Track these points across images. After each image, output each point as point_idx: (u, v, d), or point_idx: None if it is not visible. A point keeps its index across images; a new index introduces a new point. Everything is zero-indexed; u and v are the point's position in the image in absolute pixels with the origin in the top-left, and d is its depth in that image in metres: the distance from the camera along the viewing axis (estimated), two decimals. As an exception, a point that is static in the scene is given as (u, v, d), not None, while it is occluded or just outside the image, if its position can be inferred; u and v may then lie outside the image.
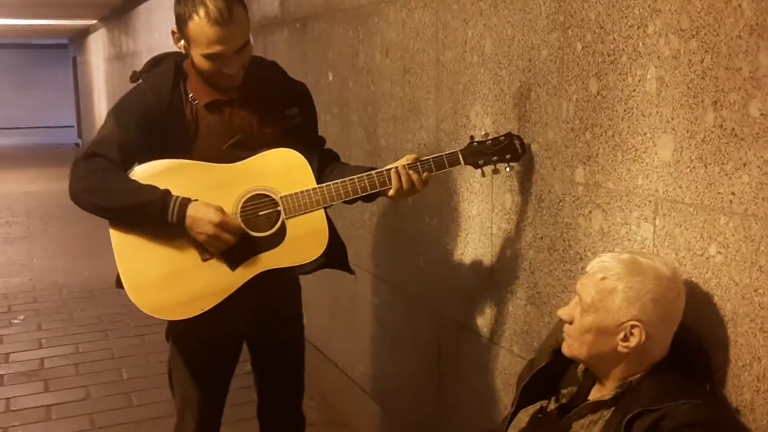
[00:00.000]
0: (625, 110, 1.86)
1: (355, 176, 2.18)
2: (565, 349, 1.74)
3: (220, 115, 2.23)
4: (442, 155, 2.20)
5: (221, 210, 2.10)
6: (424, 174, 2.19)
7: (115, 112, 2.20)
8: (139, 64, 2.39)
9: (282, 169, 2.20)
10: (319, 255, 2.20)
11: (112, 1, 10.00)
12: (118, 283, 2.17)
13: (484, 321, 2.55)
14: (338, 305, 3.79)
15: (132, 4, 9.24)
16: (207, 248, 2.11)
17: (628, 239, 1.88)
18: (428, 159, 2.20)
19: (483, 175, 2.24)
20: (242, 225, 2.13)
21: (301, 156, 2.22)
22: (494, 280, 2.47)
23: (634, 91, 1.82)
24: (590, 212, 2.01)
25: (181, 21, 2.11)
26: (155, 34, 7.99)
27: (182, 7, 2.10)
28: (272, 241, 2.17)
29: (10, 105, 21.36)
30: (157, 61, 2.29)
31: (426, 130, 2.80)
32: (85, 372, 4.42)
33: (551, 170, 2.15)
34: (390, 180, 2.18)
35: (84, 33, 15.41)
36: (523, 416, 1.82)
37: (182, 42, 2.17)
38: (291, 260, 2.20)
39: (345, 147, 3.46)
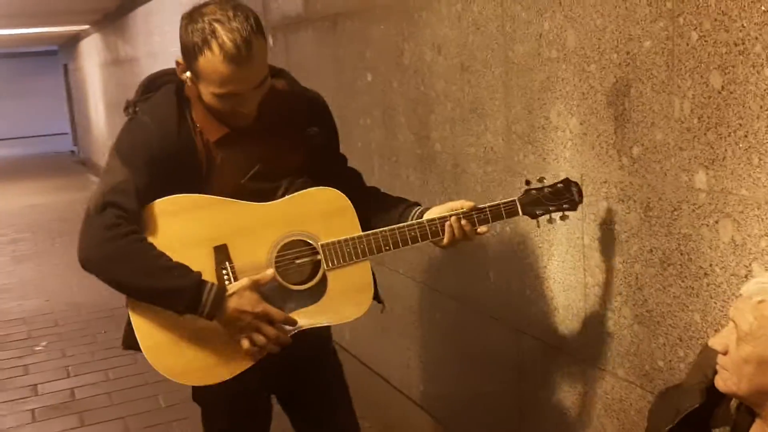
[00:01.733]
0: (761, 107, 1.63)
1: (404, 225, 1.96)
2: (720, 384, 1.51)
3: (236, 147, 1.93)
4: (499, 205, 2.00)
5: (261, 298, 1.84)
6: (480, 227, 1.99)
7: (119, 152, 1.87)
8: (140, 70, 2.10)
9: (323, 212, 1.94)
10: (361, 315, 1.96)
11: (105, 5, 9.71)
12: (127, 343, 1.93)
13: (577, 340, 2.33)
14: (389, 319, 3.56)
15: (128, 8, 8.96)
16: (243, 342, 1.85)
17: (772, 253, 1.66)
18: (484, 208, 1.99)
19: (538, 225, 2.06)
20: (282, 310, 1.88)
21: (345, 197, 1.97)
22: (589, 296, 2.24)
23: (774, 84, 1.59)
24: (716, 222, 1.78)
25: (189, 53, 1.81)
26: (155, 37, 7.72)
27: (191, 37, 1.78)
28: (311, 295, 1.92)
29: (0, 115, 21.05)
30: (151, 87, 1.98)
31: (493, 132, 2.56)
32: (120, 401, 4.19)
33: (661, 175, 1.92)
34: (443, 231, 1.96)
35: (75, 39, 15.09)
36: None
37: (188, 74, 1.86)
38: (330, 319, 1.96)
39: (391, 152, 3.24)
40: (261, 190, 1.93)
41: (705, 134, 1.78)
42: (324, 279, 1.92)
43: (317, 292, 1.92)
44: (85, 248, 1.80)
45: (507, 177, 2.52)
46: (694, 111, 1.79)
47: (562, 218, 2.04)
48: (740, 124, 1.68)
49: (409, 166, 3.11)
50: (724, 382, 1.50)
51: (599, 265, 2.18)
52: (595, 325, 2.24)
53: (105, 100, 12.22)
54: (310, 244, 1.93)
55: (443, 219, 1.96)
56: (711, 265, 1.82)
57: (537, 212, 2.01)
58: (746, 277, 1.73)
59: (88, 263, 1.80)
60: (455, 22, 2.67)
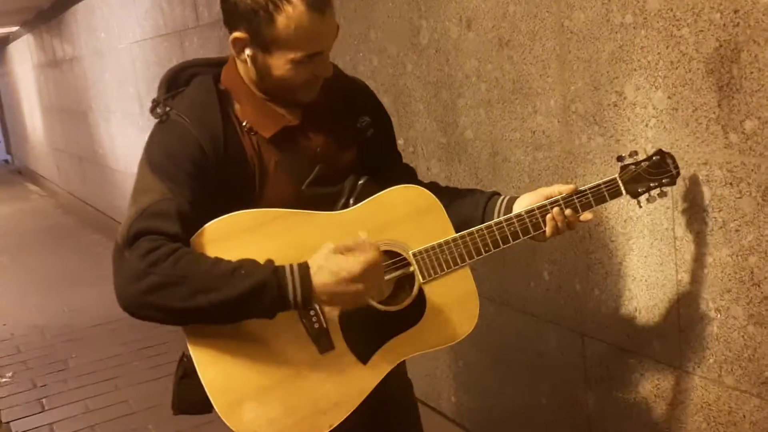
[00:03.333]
0: None
1: (502, 220, 1.65)
2: None
3: (292, 146, 1.61)
4: (599, 186, 1.69)
5: (352, 245, 1.47)
6: (584, 214, 1.69)
7: (152, 164, 1.51)
8: (83, 70, 1.70)
9: (408, 215, 1.62)
10: (471, 331, 1.64)
11: (37, 3, 9.09)
12: (183, 406, 1.59)
13: (665, 345, 2.05)
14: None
15: (64, 5, 8.38)
16: (363, 301, 1.51)
17: None
18: (586, 192, 1.68)
19: (640, 205, 1.75)
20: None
21: (430, 194, 1.66)
22: (683, 295, 1.96)
23: None
24: None
25: (259, 19, 1.46)
26: (101, 34, 7.19)
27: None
28: (409, 315, 1.60)
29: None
30: (178, 81, 1.63)
31: (544, 114, 2.26)
32: (106, 435, 3.79)
33: (787, 152, 1.64)
34: (545, 223, 1.66)
35: (3, 42, 14.29)
36: None
37: (248, 52, 1.52)
38: (438, 341, 1.63)
39: (406, 143, 2.90)
40: (323, 196, 1.61)
41: None
42: (421, 294, 1.61)
43: (416, 312, 1.60)
44: (124, 290, 1.41)
45: (565, 163, 2.22)
46: (836, 74, 1.51)
47: (660, 195, 1.74)
48: None
49: (431, 157, 2.79)
50: None
51: (698, 259, 1.90)
52: (692, 327, 1.96)
53: (42, 104, 11.54)
54: (399, 255, 1.60)
55: (543, 209, 1.66)
56: None
57: (639, 190, 1.71)
58: None
59: (132, 307, 1.41)
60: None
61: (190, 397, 1.54)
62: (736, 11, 1.67)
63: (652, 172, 1.73)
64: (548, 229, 1.65)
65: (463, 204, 1.74)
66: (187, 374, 1.58)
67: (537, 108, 2.28)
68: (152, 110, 1.57)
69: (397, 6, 2.77)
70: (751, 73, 1.67)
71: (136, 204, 1.46)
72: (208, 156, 1.49)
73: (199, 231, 1.47)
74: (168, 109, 1.55)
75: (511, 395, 2.70)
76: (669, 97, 1.87)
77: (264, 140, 1.58)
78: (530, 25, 2.23)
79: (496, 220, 1.64)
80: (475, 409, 2.93)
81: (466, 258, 1.62)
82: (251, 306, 1.42)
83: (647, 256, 2.03)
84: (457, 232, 1.64)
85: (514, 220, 1.64)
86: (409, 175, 1.86)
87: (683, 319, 1.97)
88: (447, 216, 1.64)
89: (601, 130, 2.08)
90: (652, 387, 2.12)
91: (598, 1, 2.00)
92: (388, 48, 2.88)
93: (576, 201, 1.67)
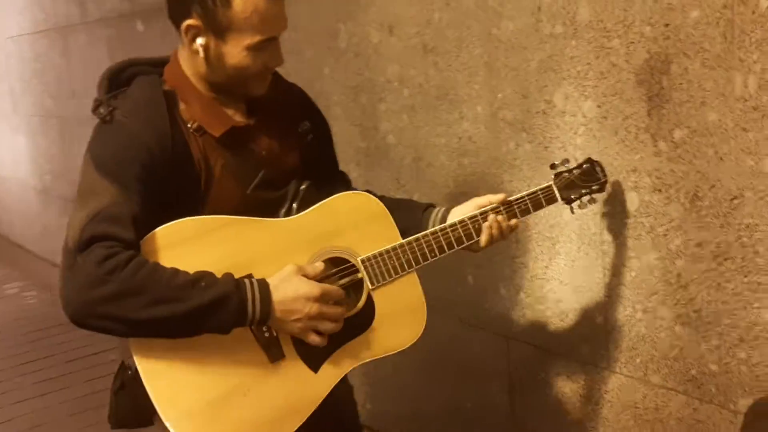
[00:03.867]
0: None
1: (447, 226, 1.66)
2: None
3: (238, 148, 1.57)
4: (536, 192, 1.74)
5: (312, 273, 1.50)
6: (512, 221, 1.71)
7: (100, 165, 1.42)
8: None
9: (355, 221, 1.61)
10: (418, 338, 1.64)
11: None
12: (122, 418, 1.52)
13: (591, 346, 2.11)
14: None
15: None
16: (309, 338, 1.49)
17: None
18: (523, 198, 1.72)
19: (572, 212, 1.81)
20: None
21: (377, 201, 1.66)
22: (611, 297, 2.02)
23: None
24: (795, 210, 1.61)
25: (212, 3, 1.43)
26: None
27: None
28: (358, 322, 1.58)
29: None
30: (119, 78, 1.55)
31: (471, 120, 2.28)
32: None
33: (715, 161, 1.72)
34: (482, 231, 1.67)
35: None
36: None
37: (201, 41, 1.47)
38: (387, 347, 1.61)
39: (323, 147, 2.86)
40: (268, 201, 1.57)
41: (779, 113, 1.59)
42: (370, 301, 1.59)
43: (365, 319, 1.58)
44: (75, 299, 1.32)
45: (492, 169, 2.25)
46: (763, 87, 1.60)
47: (591, 202, 1.81)
48: (831, 100, 1.51)
49: (350, 162, 2.76)
50: None
51: (625, 263, 1.96)
52: (618, 329, 2.02)
53: None
54: (347, 261, 1.58)
55: (485, 215, 1.67)
56: (786, 258, 1.64)
57: (572, 196, 1.77)
58: (836, 268, 1.56)
59: (83, 316, 1.33)
60: None
61: (129, 409, 1.48)
62: (666, 25, 1.74)
63: (584, 179, 1.78)
64: (484, 237, 1.66)
65: (399, 214, 1.73)
66: (125, 385, 1.51)
67: (463, 114, 2.30)
68: (95, 110, 1.49)
69: (314, 8, 2.73)
70: (681, 84, 1.74)
71: (85, 207, 1.38)
72: (156, 159, 1.43)
73: (144, 239, 1.41)
74: (111, 108, 1.47)
75: (436, 399, 2.71)
76: (599, 106, 1.93)
77: (211, 142, 1.53)
78: (457, 32, 2.25)
79: (441, 225, 1.65)
80: (400, 414, 2.93)
81: (413, 264, 1.62)
82: (210, 319, 1.38)
83: (574, 260, 2.09)
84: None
85: (458, 225, 1.65)
86: (345, 182, 1.86)
87: (610, 321, 2.04)
88: (393, 222, 1.64)
89: (529, 137, 2.12)
90: (579, 388, 2.18)
91: (527, 11, 2.03)
92: (305, 50, 2.84)
93: (515, 207, 1.70)
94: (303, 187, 1.61)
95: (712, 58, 1.67)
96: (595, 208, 1.98)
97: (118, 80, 1.54)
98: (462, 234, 1.66)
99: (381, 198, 1.81)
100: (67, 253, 1.35)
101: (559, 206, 1.79)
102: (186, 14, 1.46)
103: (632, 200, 1.91)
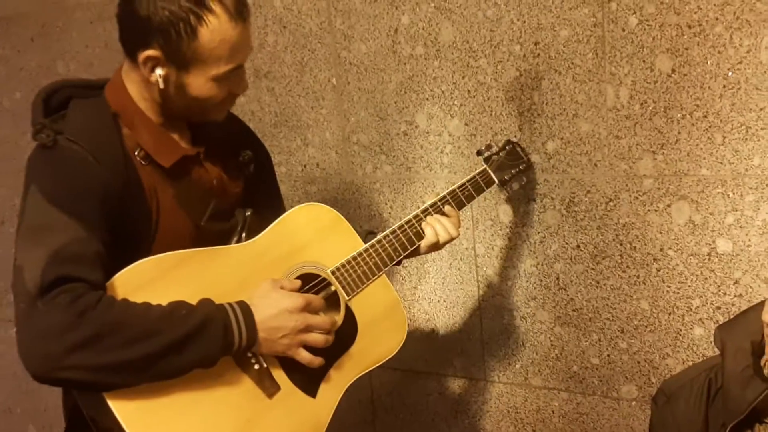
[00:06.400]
0: (725, 86, 1.68)
1: (403, 223, 1.62)
2: (791, 362, 1.51)
3: (189, 178, 1.43)
4: (475, 177, 1.75)
5: (290, 287, 1.40)
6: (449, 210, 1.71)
7: (54, 197, 1.23)
8: None
9: (315, 233, 1.53)
10: (405, 338, 1.58)
11: None
12: None
13: (469, 360, 2.14)
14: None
15: None
16: (299, 355, 1.39)
17: (740, 226, 1.72)
18: (464, 184, 1.72)
19: (509, 194, 1.91)
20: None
21: (329, 208, 1.58)
22: (486, 309, 2.08)
23: (740, 63, 1.65)
24: (669, 206, 1.79)
25: (177, 34, 1.26)
26: None
27: (172, 11, 1.24)
28: (343, 336, 1.50)
29: None
30: (51, 101, 1.35)
31: (318, 146, 2.21)
32: None
33: (590, 168, 1.86)
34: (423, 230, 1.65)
35: None
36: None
37: (160, 72, 1.29)
38: (378, 356, 1.55)
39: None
40: (220, 232, 1.44)
41: (650, 120, 1.76)
42: (349, 313, 1.50)
43: (349, 332, 1.50)
44: (39, 350, 1.14)
45: (346, 195, 2.20)
46: (635, 98, 1.77)
47: (521, 183, 1.86)
48: (698, 105, 1.71)
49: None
50: None
51: (501, 272, 2.03)
52: (495, 338, 2.08)
53: None
54: (317, 276, 1.49)
55: (435, 206, 1.66)
56: (662, 250, 1.82)
57: (506, 178, 1.80)
58: (709, 255, 1.77)
59: (49, 369, 1.15)
60: (239, 21, 2.22)
61: None
62: (536, 43, 1.85)
63: (511, 159, 1.84)
64: (428, 235, 1.62)
65: None
66: None
67: (308, 140, 2.22)
68: (35, 134, 1.27)
69: (98, 36, 2.47)
70: (553, 99, 1.86)
71: (41, 244, 1.18)
72: (111, 189, 1.28)
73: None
74: (55, 133, 1.26)
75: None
76: (466, 125, 1.98)
77: (159, 172, 1.36)
78: (297, 56, 2.17)
79: (399, 223, 1.61)
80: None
81: (382, 266, 1.56)
82: (195, 348, 1.24)
83: (446, 277, 2.11)
84: None
85: (413, 220, 1.62)
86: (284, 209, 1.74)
87: (486, 332, 2.09)
88: (352, 228, 1.58)
89: (389, 159, 2.11)
90: (454, 404, 2.20)
91: (382, 32, 2.03)
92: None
93: (460, 194, 1.69)
94: (248, 214, 1.50)
95: (583, 72, 1.81)
96: (468, 223, 2.03)
97: (56, 102, 1.33)
98: (420, 229, 1.62)
99: None
100: (25, 299, 1.16)
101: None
102: (144, 44, 1.28)
103: (506, 212, 1.99)
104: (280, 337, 1.34)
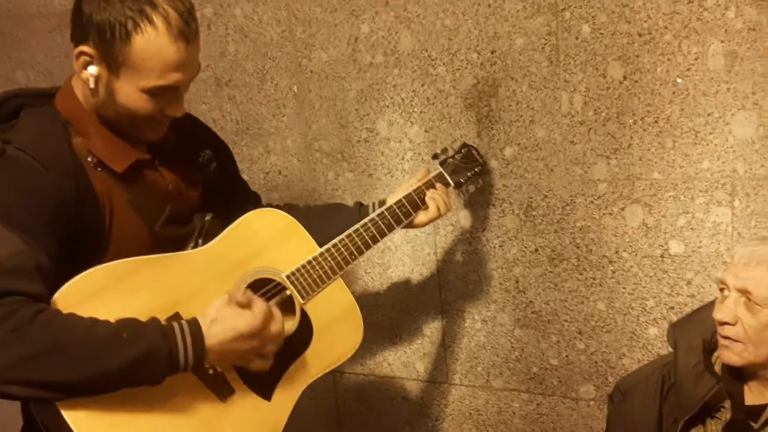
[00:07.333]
0: (674, 92, 1.73)
1: (368, 220, 1.64)
2: (733, 358, 1.54)
3: (143, 183, 1.42)
4: (430, 180, 1.78)
5: (245, 301, 1.36)
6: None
7: None
8: None
9: (270, 238, 1.53)
10: (360, 341, 1.60)
11: None
12: None
13: (431, 363, 2.17)
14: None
15: None
16: (253, 365, 1.38)
17: (692, 228, 1.78)
18: (420, 188, 1.75)
19: (465, 196, 1.95)
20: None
21: (285, 214, 1.59)
22: (448, 312, 2.11)
23: (688, 70, 1.71)
24: (623, 209, 1.84)
25: (113, 35, 1.25)
26: None
27: (114, 12, 1.25)
28: (299, 340, 1.51)
29: None
30: (5, 107, 1.34)
31: (280, 154, 2.23)
32: None
33: (546, 173, 1.90)
34: (422, 202, 1.72)
35: None
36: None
37: (93, 71, 1.29)
38: (333, 358, 1.57)
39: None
40: (176, 237, 1.43)
41: (604, 125, 1.81)
42: (304, 316, 1.51)
43: (304, 335, 1.51)
44: None
45: (308, 202, 2.21)
46: (588, 104, 1.82)
47: (476, 185, 1.92)
48: (649, 111, 1.76)
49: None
50: (738, 354, 1.52)
51: (462, 277, 2.07)
52: (457, 342, 2.11)
53: None
54: (272, 281, 1.49)
55: (422, 189, 1.72)
56: (617, 252, 1.87)
57: (461, 180, 1.84)
58: (662, 257, 1.82)
59: None
60: (205, 30, 2.24)
61: None
62: (493, 52, 1.89)
63: (466, 162, 1.87)
64: (430, 209, 1.71)
65: (335, 221, 1.68)
66: None
67: (270, 148, 2.24)
68: None
69: (58, 45, 2.46)
70: (510, 105, 1.90)
71: None
72: (62, 197, 1.25)
73: (52, 299, 1.21)
74: (3, 143, 1.24)
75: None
76: (426, 131, 2.01)
77: (113, 177, 1.35)
78: (258, 64, 2.19)
79: (354, 227, 1.62)
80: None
81: (337, 270, 1.58)
82: (137, 376, 1.23)
83: (408, 282, 2.14)
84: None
85: (386, 212, 1.66)
86: (255, 201, 1.77)
87: (448, 335, 2.12)
88: (307, 233, 1.58)
89: (350, 166, 2.13)
90: (416, 407, 2.22)
91: (342, 41, 2.06)
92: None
93: (415, 196, 1.72)
94: (207, 218, 1.50)
95: (539, 80, 1.85)
96: (429, 229, 2.06)
97: (3, 109, 1.32)
98: (376, 232, 1.65)
99: (305, 207, 1.80)
100: None
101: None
102: (82, 39, 1.27)
103: (466, 217, 2.02)
104: (232, 357, 1.34)
